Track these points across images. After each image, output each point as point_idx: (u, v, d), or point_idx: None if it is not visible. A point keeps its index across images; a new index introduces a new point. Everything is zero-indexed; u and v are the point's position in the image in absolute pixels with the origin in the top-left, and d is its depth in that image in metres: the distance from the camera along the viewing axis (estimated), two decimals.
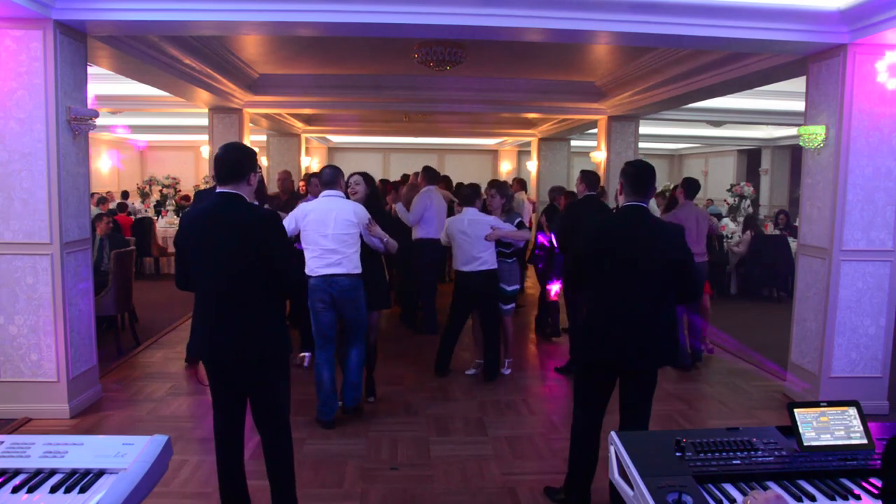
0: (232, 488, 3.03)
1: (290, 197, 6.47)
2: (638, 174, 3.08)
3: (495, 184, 5.74)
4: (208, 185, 6.96)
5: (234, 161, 2.86)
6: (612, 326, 3.01)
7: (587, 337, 3.12)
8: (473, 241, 5.26)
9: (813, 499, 1.75)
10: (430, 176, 7.15)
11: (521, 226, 5.48)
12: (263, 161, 14.32)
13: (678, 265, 3.02)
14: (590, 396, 3.18)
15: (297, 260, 4.01)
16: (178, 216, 11.76)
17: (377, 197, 4.91)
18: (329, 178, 4.42)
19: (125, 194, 14.08)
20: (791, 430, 1.97)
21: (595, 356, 3.09)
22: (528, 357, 6.30)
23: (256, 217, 2.85)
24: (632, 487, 1.76)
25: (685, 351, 5.89)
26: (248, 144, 9.49)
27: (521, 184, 9.72)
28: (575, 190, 6.13)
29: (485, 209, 5.54)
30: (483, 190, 5.68)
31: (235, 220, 2.80)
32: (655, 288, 3.00)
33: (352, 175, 4.73)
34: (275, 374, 2.95)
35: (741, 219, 11.07)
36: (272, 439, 3.01)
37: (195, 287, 2.91)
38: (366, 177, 4.74)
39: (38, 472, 1.83)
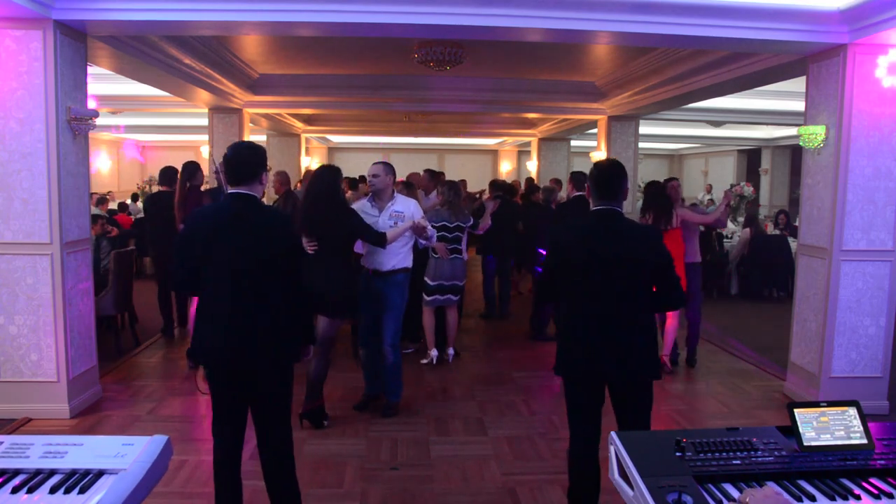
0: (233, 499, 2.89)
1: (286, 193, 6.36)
2: (603, 176, 2.88)
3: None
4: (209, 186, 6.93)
5: (245, 161, 2.78)
6: (587, 336, 2.82)
7: (563, 347, 2.94)
8: None
9: (813, 499, 1.75)
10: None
11: (475, 226, 5.86)
12: None
13: (656, 269, 2.82)
14: (576, 410, 2.96)
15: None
16: None
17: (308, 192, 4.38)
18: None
19: (135, 197, 14.05)
20: (791, 430, 1.97)
21: (571, 368, 2.89)
22: (528, 357, 6.30)
23: (274, 217, 2.81)
24: (632, 487, 1.76)
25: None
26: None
27: (557, 182, 9.35)
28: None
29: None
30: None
31: (253, 220, 2.73)
32: (631, 295, 2.80)
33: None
34: (287, 379, 2.85)
35: (741, 219, 11.07)
36: (278, 445, 2.84)
37: (205, 288, 2.75)
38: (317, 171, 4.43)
39: (38, 472, 1.82)
